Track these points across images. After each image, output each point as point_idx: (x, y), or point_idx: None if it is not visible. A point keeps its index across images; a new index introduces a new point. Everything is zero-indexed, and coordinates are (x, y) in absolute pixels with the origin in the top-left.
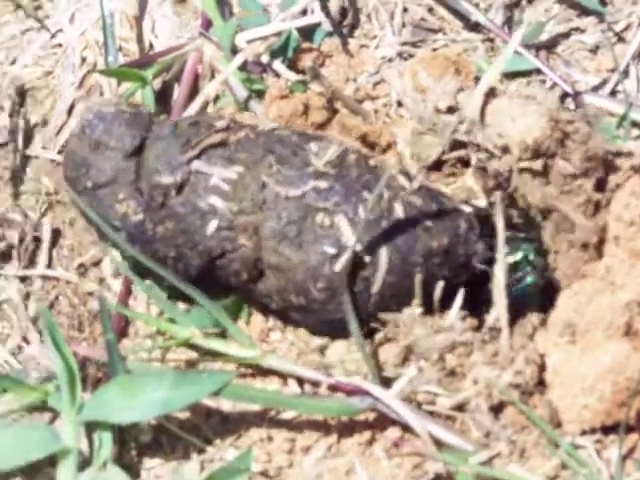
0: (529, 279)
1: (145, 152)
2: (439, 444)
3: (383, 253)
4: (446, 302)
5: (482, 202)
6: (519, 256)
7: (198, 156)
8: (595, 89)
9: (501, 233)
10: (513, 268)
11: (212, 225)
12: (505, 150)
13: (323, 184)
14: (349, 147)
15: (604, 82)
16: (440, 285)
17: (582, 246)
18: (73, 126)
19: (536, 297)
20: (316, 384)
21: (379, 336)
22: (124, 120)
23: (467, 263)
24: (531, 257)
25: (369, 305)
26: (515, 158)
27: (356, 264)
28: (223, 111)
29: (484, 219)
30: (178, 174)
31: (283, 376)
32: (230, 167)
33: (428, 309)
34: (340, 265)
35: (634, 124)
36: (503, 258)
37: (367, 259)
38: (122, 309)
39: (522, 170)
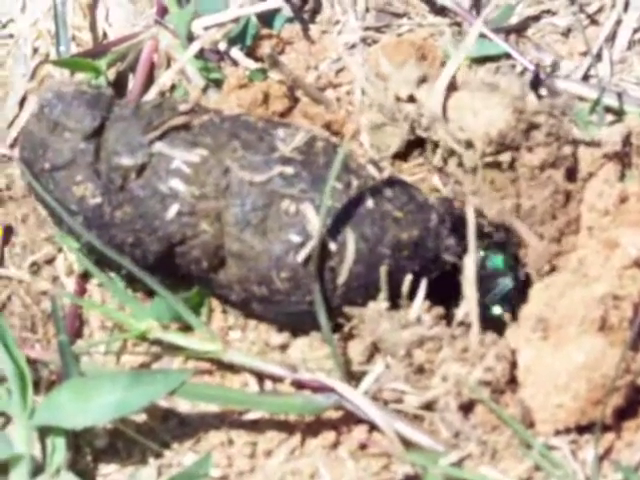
0: (508, 284)
1: (105, 133)
2: (407, 444)
3: (350, 243)
4: (415, 297)
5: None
6: (496, 261)
7: (160, 138)
8: (567, 74)
9: (472, 225)
10: (489, 275)
11: (172, 210)
12: (469, 145)
13: (289, 170)
14: (317, 134)
15: (576, 66)
16: (408, 278)
17: (553, 239)
18: (25, 119)
19: (515, 300)
20: (278, 383)
21: (344, 331)
22: (84, 100)
23: (437, 257)
24: (505, 261)
25: (335, 297)
26: (479, 153)
27: (322, 254)
28: (189, 96)
29: (453, 212)
30: (138, 156)
31: (244, 375)
32: (193, 150)
33: (396, 304)
34: (304, 254)
35: (607, 109)
36: (474, 249)
37: (333, 248)
38: (77, 300)
39: (487, 165)
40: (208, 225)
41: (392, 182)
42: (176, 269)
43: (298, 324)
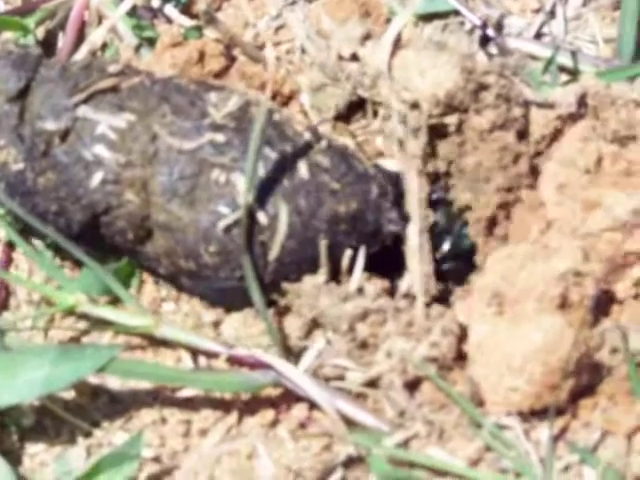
0: (456, 239)
1: (30, 95)
2: (350, 424)
3: (283, 216)
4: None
5: (392, 165)
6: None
7: (85, 101)
8: (519, 32)
9: (414, 191)
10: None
11: (96, 177)
12: (414, 106)
13: (220, 137)
14: (252, 99)
15: (528, 24)
16: (348, 253)
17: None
18: None
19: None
20: (213, 359)
21: (279, 307)
22: (9, 60)
23: (378, 231)
24: (447, 215)
25: (266, 273)
26: (425, 114)
27: (252, 227)
28: (121, 57)
29: (395, 182)
30: (62, 120)
31: (178, 351)
32: (120, 114)
33: (335, 280)
34: (225, 224)
35: (561, 69)
36: (417, 217)
37: (264, 222)
38: (2, 273)
39: (433, 127)
40: (134, 194)
41: (330, 151)
42: (102, 240)
43: (228, 301)
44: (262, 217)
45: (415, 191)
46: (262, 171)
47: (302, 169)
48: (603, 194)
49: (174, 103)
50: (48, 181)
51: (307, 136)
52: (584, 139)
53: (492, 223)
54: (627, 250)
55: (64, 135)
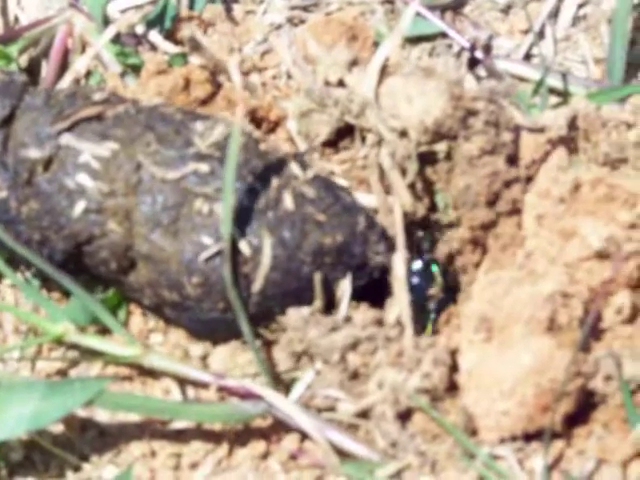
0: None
1: (14, 123)
2: (341, 455)
3: (267, 248)
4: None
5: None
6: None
7: (69, 129)
8: (508, 53)
9: (399, 221)
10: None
11: (79, 207)
12: (402, 134)
13: (204, 167)
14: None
15: (517, 45)
16: (340, 284)
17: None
18: None
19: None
20: (202, 390)
21: (264, 339)
22: None
23: (364, 264)
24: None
25: (250, 305)
26: (414, 142)
27: (235, 259)
28: (106, 84)
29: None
30: (46, 148)
31: (165, 382)
32: (103, 143)
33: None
34: (207, 255)
35: (551, 91)
36: (402, 246)
37: (248, 253)
38: None
39: (422, 155)
40: (117, 224)
41: (317, 182)
42: (86, 270)
43: (213, 332)
44: (245, 248)
45: (399, 220)
46: (246, 201)
47: (287, 200)
48: (579, 223)
49: (159, 132)
50: (31, 210)
51: (293, 166)
52: (559, 168)
53: (476, 245)
54: (606, 279)
55: (47, 163)
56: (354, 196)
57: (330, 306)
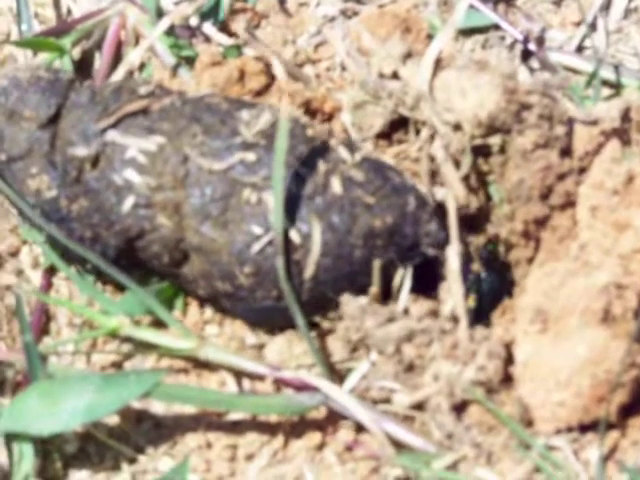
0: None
1: (61, 122)
2: (397, 446)
3: (316, 234)
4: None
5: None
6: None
7: (114, 125)
8: (560, 45)
9: (453, 213)
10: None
11: (128, 202)
12: (457, 127)
13: (251, 156)
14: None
15: (570, 37)
16: (400, 272)
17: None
18: None
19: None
20: (257, 382)
21: (321, 327)
22: (40, 87)
23: (416, 245)
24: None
25: (303, 291)
26: (468, 136)
27: (287, 246)
28: (153, 77)
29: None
30: (92, 145)
31: (221, 374)
32: (149, 137)
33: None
34: (259, 247)
35: (604, 83)
36: (456, 239)
37: (298, 240)
38: (42, 296)
39: (476, 148)
40: (166, 218)
41: (365, 164)
42: (141, 264)
43: (268, 320)
44: (295, 236)
45: (453, 211)
46: (294, 188)
47: (335, 184)
48: (633, 215)
49: (205, 123)
50: (81, 208)
51: (340, 150)
52: (612, 160)
53: (529, 239)
54: None
55: (95, 161)
56: (404, 176)
57: (384, 291)
